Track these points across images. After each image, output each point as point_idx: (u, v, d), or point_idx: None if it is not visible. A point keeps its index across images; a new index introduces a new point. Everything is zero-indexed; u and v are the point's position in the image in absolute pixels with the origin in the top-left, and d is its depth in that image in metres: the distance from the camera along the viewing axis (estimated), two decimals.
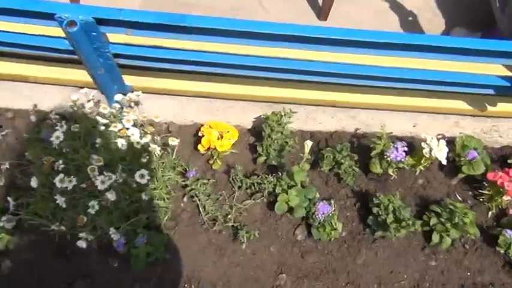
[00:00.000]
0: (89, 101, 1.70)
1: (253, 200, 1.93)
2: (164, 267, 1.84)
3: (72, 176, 1.48)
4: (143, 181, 1.50)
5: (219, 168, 2.02)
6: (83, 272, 1.80)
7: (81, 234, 1.55)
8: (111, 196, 1.47)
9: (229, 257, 1.89)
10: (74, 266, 1.80)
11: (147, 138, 1.61)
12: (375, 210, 1.88)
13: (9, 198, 1.52)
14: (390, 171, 1.96)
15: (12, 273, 1.76)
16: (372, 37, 1.52)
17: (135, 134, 1.61)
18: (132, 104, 1.83)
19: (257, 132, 2.14)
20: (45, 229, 1.69)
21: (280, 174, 1.91)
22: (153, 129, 1.69)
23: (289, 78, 1.87)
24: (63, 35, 1.56)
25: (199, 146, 1.93)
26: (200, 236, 1.90)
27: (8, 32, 1.63)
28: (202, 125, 2.07)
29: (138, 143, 1.59)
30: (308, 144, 1.84)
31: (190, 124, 2.15)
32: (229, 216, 1.87)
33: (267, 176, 1.93)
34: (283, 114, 1.95)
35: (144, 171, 1.50)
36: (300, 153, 2.05)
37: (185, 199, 1.94)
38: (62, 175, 1.48)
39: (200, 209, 1.88)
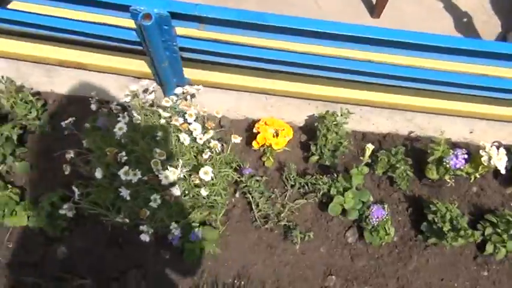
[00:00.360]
0: (150, 92, 1.69)
1: (306, 199, 1.90)
2: (215, 262, 1.84)
3: (136, 169, 1.47)
4: (207, 178, 1.49)
5: (271, 166, 2.00)
6: (135, 262, 1.81)
7: (142, 227, 1.55)
8: (176, 191, 1.46)
9: (279, 255, 1.88)
10: (127, 256, 1.81)
11: (209, 134, 1.60)
12: (430, 217, 1.85)
13: (74, 188, 1.53)
14: (447, 177, 1.91)
15: (67, 260, 1.78)
16: (445, 42, 1.47)
17: (197, 129, 1.60)
18: (188, 97, 1.82)
19: (309, 130, 2.12)
20: (102, 219, 1.70)
21: (335, 175, 1.88)
22: (213, 124, 1.67)
23: (348, 79, 1.83)
24: (130, 25, 1.56)
25: (253, 143, 1.91)
26: (251, 232, 1.90)
27: (75, 20, 1.63)
28: (254, 121, 2.06)
29: (200, 138, 1.57)
30: (370, 147, 1.81)
31: (241, 119, 2.14)
32: (282, 214, 1.85)
33: (321, 176, 1.90)
34: (340, 114, 1.92)
35: (208, 168, 1.49)
36: (353, 154, 2.02)
37: (237, 195, 1.93)
38: (126, 167, 1.47)
39: (253, 206, 1.87)
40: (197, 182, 1.51)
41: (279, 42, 1.58)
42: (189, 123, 1.61)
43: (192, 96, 1.84)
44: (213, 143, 1.61)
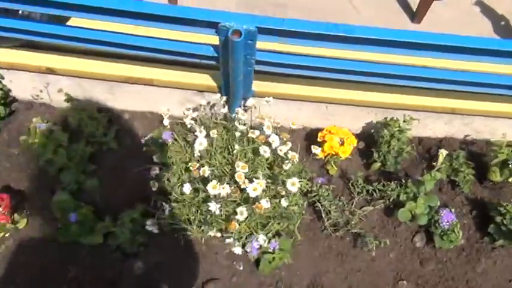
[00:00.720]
0: (211, 106, 1.72)
1: (373, 206, 1.92)
2: (288, 271, 1.85)
3: (225, 183, 1.49)
4: (294, 189, 1.51)
5: (335, 174, 2.02)
6: (211, 275, 1.82)
7: (228, 240, 1.57)
8: (265, 204, 1.48)
9: (350, 262, 1.90)
10: (202, 269, 1.82)
11: (287, 146, 1.62)
12: (498, 219, 1.87)
13: (165, 204, 1.55)
14: (511, 179, 1.93)
15: (144, 275, 1.79)
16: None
17: (275, 141, 1.62)
18: (253, 109, 1.84)
19: (366, 137, 2.14)
20: (177, 233, 1.72)
21: (403, 181, 1.90)
22: (289, 136, 1.69)
23: (410, 85, 1.86)
24: (203, 41, 1.59)
25: (319, 152, 1.92)
26: (321, 241, 1.91)
27: (146, 37, 1.65)
28: (312, 130, 2.08)
29: (281, 150, 1.59)
30: (443, 153, 1.83)
31: (299, 128, 2.16)
32: (353, 222, 1.87)
33: (388, 182, 1.92)
34: (403, 120, 1.94)
35: (295, 180, 1.51)
36: (411, 159, 2.05)
37: (305, 204, 1.94)
38: (214, 182, 1.49)
39: (323, 214, 1.88)
40: (283, 193, 1.53)
41: (347, 51, 1.59)
42: (268, 136, 1.63)
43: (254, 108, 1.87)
44: (291, 154, 1.63)
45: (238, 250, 1.57)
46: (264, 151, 1.60)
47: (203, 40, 1.66)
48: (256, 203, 1.49)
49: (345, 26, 1.39)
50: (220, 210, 1.50)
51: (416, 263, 1.93)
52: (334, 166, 1.99)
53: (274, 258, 1.73)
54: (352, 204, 1.95)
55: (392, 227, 1.96)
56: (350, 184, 1.97)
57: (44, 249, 1.79)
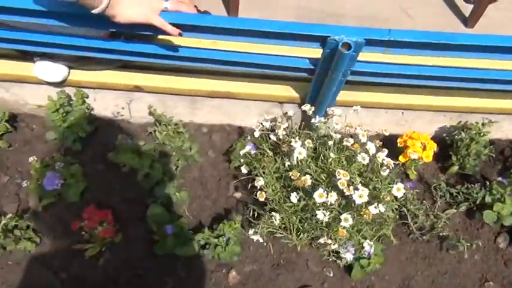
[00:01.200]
0: (310, 115, 1.77)
1: (456, 209, 1.95)
2: (376, 276, 1.88)
3: (332, 191, 1.53)
4: (399, 194, 1.54)
5: (414, 178, 2.05)
6: (302, 281, 1.85)
7: (333, 247, 1.60)
8: (373, 210, 1.51)
9: (437, 265, 1.92)
10: (293, 277, 1.85)
11: (384, 152, 1.65)
12: None
13: (274, 214, 1.59)
14: None
15: (239, 284, 1.82)
16: None
17: (371, 149, 1.66)
18: (335, 117, 1.88)
19: (439, 141, 2.17)
20: (273, 241, 1.76)
21: (487, 183, 1.93)
22: (381, 142, 1.73)
23: (488, 88, 1.89)
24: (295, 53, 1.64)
25: (400, 157, 1.96)
26: (407, 245, 1.94)
27: (242, 52, 1.69)
28: (385, 136, 2.11)
29: (379, 157, 1.63)
30: None
31: (373, 135, 2.19)
32: (440, 225, 1.90)
33: (470, 185, 1.95)
34: (481, 123, 1.98)
35: (400, 185, 1.55)
36: (485, 161, 2.08)
37: None
38: (321, 190, 1.53)
39: (409, 218, 1.91)
40: (388, 199, 1.56)
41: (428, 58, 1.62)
42: (363, 143, 1.67)
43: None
44: (386, 160, 1.66)
45: (350, 256, 1.61)
46: (363, 158, 1.63)
47: (293, 53, 1.71)
48: (364, 210, 1.52)
49: (448, 35, 1.43)
50: (329, 219, 1.54)
51: (501, 264, 1.95)
52: (413, 171, 2.02)
53: (369, 263, 1.76)
54: (435, 208, 1.97)
55: (475, 228, 1.99)
56: (432, 188, 2.00)
57: (141, 261, 1.83)
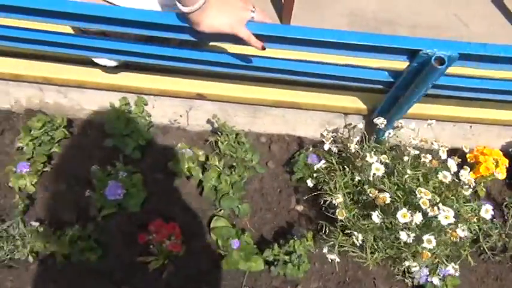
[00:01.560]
0: (382, 128, 1.71)
1: None
2: None
3: (417, 212, 1.46)
4: (488, 216, 1.48)
5: (483, 195, 1.97)
6: None
7: (414, 269, 1.54)
8: (461, 232, 1.44)
9: (509, 287, 1.85)
10: None
11: (466, 170, 1.58)
12: None
13: (355, 233, 1.52)
14: None
15: None
16: None
17: (452, 166, 1.59)
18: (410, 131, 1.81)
19: (506, 155, 2.09)
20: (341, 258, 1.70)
21: None
22: (460, 159, 1.66)
23: None
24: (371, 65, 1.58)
25: (470, 173, 1.88)
26: (478, 265, 1.87)
27: (316, 62, 1.63)
28: (449, 149, 2.04)
29: (462, 175, 1.56)
30: None
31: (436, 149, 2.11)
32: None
33: None
34: None
35: (488, 207, 1.48)
36: None
37: None
38: (404, 210, 1.46)
39: (481, 238, 1.84)
40: (474, 220, 1.49)
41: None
42: (443, 160, 1.60)
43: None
44: (467, 178, 1.59)
45: (424, 278, 1.54)
46: (445, 176, 1.56)
47: (366, 63, 1.65)
48: (452, 232, 1.46)
49: None
50: (412, 240, 1.47)
51: None
52: (483, 188, 1.95)
53: (446, 285, 1.69)
54: (506, 227, 1.90)
55: None
56: (504, 206, 1.93)
57: (204, 275, 1.78)
